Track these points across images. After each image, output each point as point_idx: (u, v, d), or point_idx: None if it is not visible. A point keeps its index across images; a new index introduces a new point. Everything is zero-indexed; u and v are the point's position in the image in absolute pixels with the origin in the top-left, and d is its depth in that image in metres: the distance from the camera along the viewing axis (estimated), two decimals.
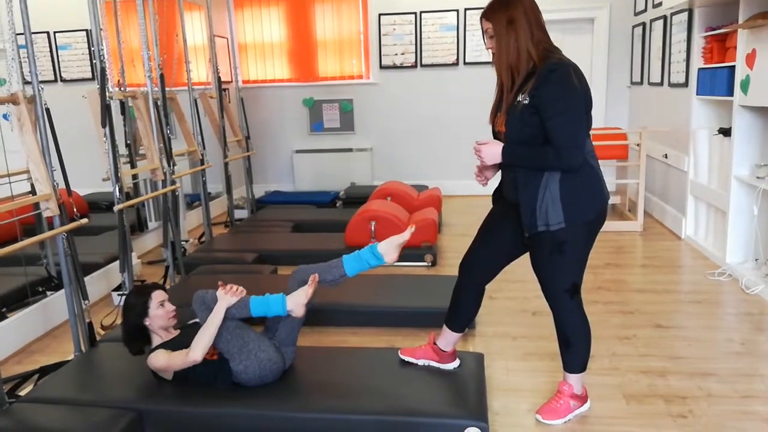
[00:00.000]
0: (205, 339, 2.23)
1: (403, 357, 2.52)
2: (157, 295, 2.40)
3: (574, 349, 2.25)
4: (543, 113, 1.98)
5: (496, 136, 2.19)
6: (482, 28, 2.09)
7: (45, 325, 3.31)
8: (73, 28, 5.63)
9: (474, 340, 3.04)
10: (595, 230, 2.15)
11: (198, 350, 2.22)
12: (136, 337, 2.41)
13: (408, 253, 4.28)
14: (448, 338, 2.47)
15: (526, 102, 2.00)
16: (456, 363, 2.52)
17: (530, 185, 2.06)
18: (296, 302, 2.32)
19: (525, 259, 2.28)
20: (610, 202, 5.88)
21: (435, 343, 2.50)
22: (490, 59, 2.14)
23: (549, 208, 2.04)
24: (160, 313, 2.38)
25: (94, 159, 3.63)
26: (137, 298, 2.40)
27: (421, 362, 2.50)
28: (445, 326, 2.47)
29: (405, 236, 2.37)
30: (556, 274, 2.15)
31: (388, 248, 2.39)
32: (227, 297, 2.29)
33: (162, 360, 2.31)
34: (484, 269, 2.34)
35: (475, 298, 2.40)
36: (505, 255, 2.31)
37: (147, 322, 2.38)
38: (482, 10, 2.09)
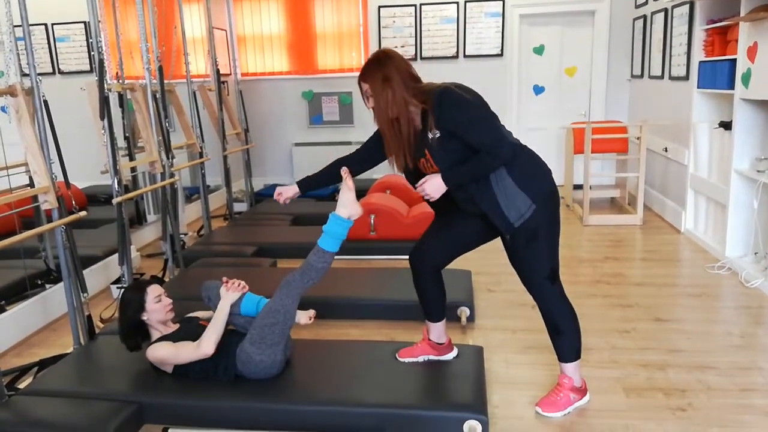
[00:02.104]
0: (215, 333, 2.27)
1: (402, 359, 2.52)
2: (153, 290, 2.40)
3: (565, 335, 2.27)
4: (459, 132, 2.06)
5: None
6: (361, 90, 2.17)
7: (44, 317, 3.31)
8: (71, 20, 5.60)
9: (473, 333, 3.04)
10: (557, 206, 2.21)
11: (210, 344, 2.25)
12: (135, 332, 2.41)
13: (408, 246, 4.25)
14: (435, 330, 2.50)
15: (438, 135, 2.09)
16: (454, 352, 2.55)
17: (486, 192, 2.12)
18: (347, 203, 2.25)
19: None
20: (609, 195, 5.95)
21: (429, 339, 2.52)
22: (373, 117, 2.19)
23: (515, 199, 2.10)
24: (157, 308, 2.38)
25: (92, 151, 3.62)
26: (133, 293, 2.41)
27: (421, 359, 2.52)
28: (427, 321, 2.51)
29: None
30: (535, 263, 2.19)
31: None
32: (230, 294, 2.34)
33: (166, 351, 2.31)
34: (433, 255, 2.38)
35: (436, 285, 2.43)
36: (458, 246, 2.37)
37: (145, 317, 2.38)
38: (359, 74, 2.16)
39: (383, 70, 2.09)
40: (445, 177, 2.11)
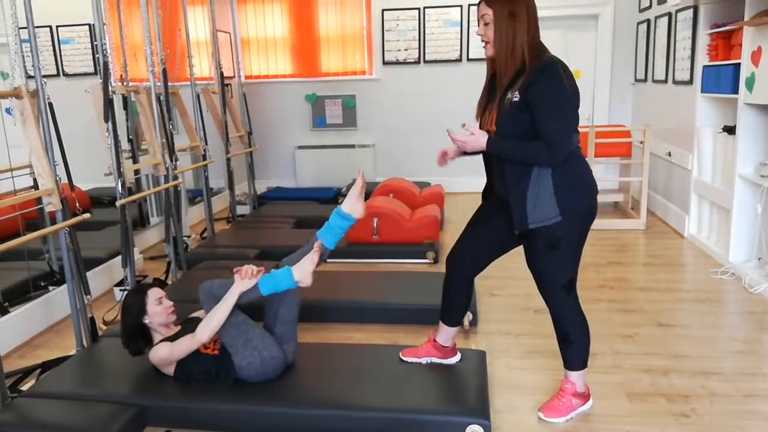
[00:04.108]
0: (215, 320, 2.22)
1: (405, 359, 2.52)
2: (154, 293, 2.40)
3: (575, 345, 2.24)
4: (536, 109, 1.98)
5: None
6: (479, 12, 2.08)
7: (47, 319, 3.32)
8: (76, 23, 5.62)
9: (476, 337, 3.03)
10: (589, 223, 2.16)
11: (206, 331, 2.21)
12: (137, 336, 2.41)
13: (410, 250, 4.28)
14: (445, 334, 2.49)
15: (517, 99, 2.00)
16: (457, 357, 2.54)
17: (521, 182, 2.06)
18: (304, 271, 2.26)
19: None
20: (612, 200, 5.95)
21: (435, 340, 2.51)
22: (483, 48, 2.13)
23: (545, 203, 2.05)
24: (158, 310, 2.38)
25: (96, 154, 3.62)
26: (134, 297, 2.40)
27: (424, 360, 2.51)
28: (440, 322, 2.49)
29: (359, 184, 2.35)
30: (553, 270, 2.15)
31: (352, 204, 2.36)
32: (244, 281, 2.25)
33: (164, 351, 2.31)
34: (471, 263, 2.36)
35: (465, 291, 2.41)
36: (494, 249, 2.33)
37: (147, 320, 2.38)
38: None
39: (513, 5, 1.98)
40: (490, 141, 2.04)
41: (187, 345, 2.27)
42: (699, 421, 2.26)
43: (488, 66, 2.20)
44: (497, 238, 2.29)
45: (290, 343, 2.42)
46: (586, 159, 4.98)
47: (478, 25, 2.10)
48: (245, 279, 2.25)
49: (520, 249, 2.26)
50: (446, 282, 2.42)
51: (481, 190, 2.38)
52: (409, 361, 2.51)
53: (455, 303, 2.44)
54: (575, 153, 2.09)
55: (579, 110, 2.08)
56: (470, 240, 2.34)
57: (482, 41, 2.10)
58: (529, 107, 1.99)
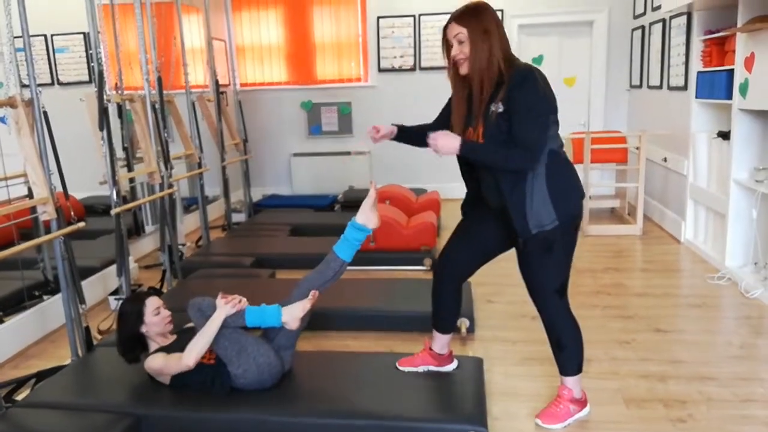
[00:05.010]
0: (199, 346, 2.23)
1: (402, 368, 2.51)
2: (152, 302, 2.40)
3: (568, 351, 2.25)
4: (514, 116, 2.02)
5: None
6: (447, 34, 2.12)
7: (42, 329, 3.30)
8: (70, 31, 5.63)
9: (473, 344, 3.03)
10: (578, 225, 2.21)
11: (191, 357, 2.22)
12: (133, 345, 2.40)
13: (407, 257, 4.28)
14: (440, 341, 2.49)
15: (501, 110, 2.04)
16: (454, 364, 2.54)
17: (517, 190, 2.08)
18: (292, 315, 2.28)
19: None
20: (609, 205, 5.95)
21: (431, 349, 2.51)
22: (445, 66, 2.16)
23: (541, 209, 2.07)
24: (156, 320, 2.37)
25: (91, 162, 3.62)
26: (132, 306, 2.39)
27: (421, 369, 2.51)
28: (434, 330, 2.49)
29: (372, 195, 2.37)
30: (546, 275, 2.17)
31: (366, 215, 2.38)
32: (227, 307, 2.26)
33: (159, 362, 2.31)
34: (459, 270, 2.37)
35: (454, 298, 2.42)
36: (480, 257, 2.35)
37: (144, 329, 2.37)
38: (451, 17, 2.11)
39: (484, 22, 2.04)
40: (464, 143, 2.06)
41: (175, 365, 2.27)
42: (696, 426, 2.26)
43: (456, 83, 2.19)
44: (484, 246, 2.32)
45: (288, 350, 2.42)
46: (583, 164, 5.04)
47: (444, 47, 2.15)
48: (228, 306, 2.25)
49: (514, 256, 2.26)
50: (435, 289, 2.44)
51: (461, 206, 2.40)
52: (406, 370, 2.50)
53: (446, 309, 2.45)
54: (563, 157, 2.12)
55: (558, 115, 2.11)
56: (457, 248, 2.36)
57: (457, 60, 2.12)
58: (511, 116, 2.04)
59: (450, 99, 2.27)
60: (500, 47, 2.05)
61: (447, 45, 2.14)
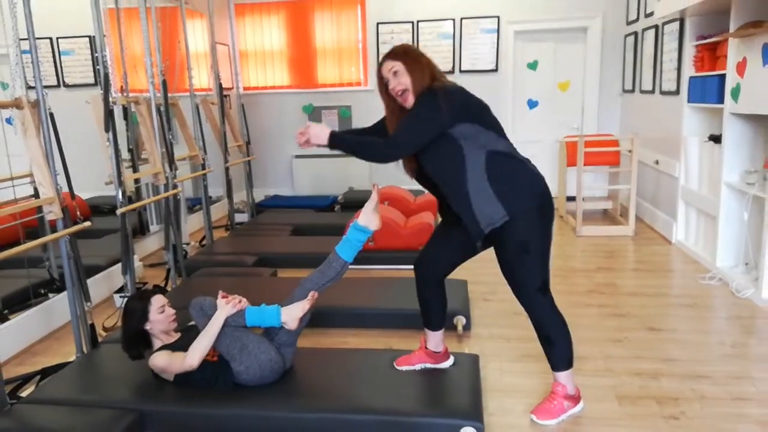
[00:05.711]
0: (202, 346, 2.28)
1: (400, 368, 2.56)
2: (157, 300, 2.42)
3: (558, 346, 2.29)
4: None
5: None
6: (382, 72, 2.21)
7: (47, 326, 3.34)
8: (76, 34, 5.68)
9: (469, 341, 3.08)
10: (548, 223, 2.22)
11: (195, 356, 2.27)
12: (137, 341, 2.43)
13: (405, 256, 4.33)
14: (434, 339, 2.54)
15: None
16: (450, 360, 2.59)
17: (458, 195, 2.16)
18: (291, 315, 2.33)
19: None
20: (601, 207, 5.99)
21: (426, 347, 2.56)
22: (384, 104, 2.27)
23: (486, 208, 2.13)
24: (160, 318, 2.40)
25: (96, 163, 3.66)
26: (137, 303, 2.42)
27: (418, 367, 2.56)
28: (425, 329, 2.55)
29: (374, 198, 2.46)
30: (526, 274, 2.22)
31: (368, 217, 2.44)
32: (227, 307, 2.32)
33: (164, 360, 2.34)
34: (436, 269, 2.44)
35: (437, 294, 2.48)
36: (455, 256, 2.42)
37: (148, 326, 2.40)
38: (382, 58, 2.23)
39: (413, 53, 2.20)
40: (333, 134, 2.19)
41: (179, 365, 2.31)
42: (689, 423, 2.29)
43: (388, 101, 2.26)
44: (457, 246, 2.39)
45: (290, 348, 2.46)
46: (577, 167, 5.09)
47: (380, 85, 2.24)
48: (228, 306, 2.32)
49: None
50: (418, 290, 2.49)
51: (437, 209, 2.50)
52: (404, 370, 2.55)
53: (432, 307, 2.50)
54: (509, 157, 2.18)
55: (494, 118, 2.22)
56: (434, 248, 2.44)
57: (397, 92, 2.19)
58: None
59: (382, 119, 2.36)
60: (430, 71, 2.18)
61: (381, 83, 2.23)
